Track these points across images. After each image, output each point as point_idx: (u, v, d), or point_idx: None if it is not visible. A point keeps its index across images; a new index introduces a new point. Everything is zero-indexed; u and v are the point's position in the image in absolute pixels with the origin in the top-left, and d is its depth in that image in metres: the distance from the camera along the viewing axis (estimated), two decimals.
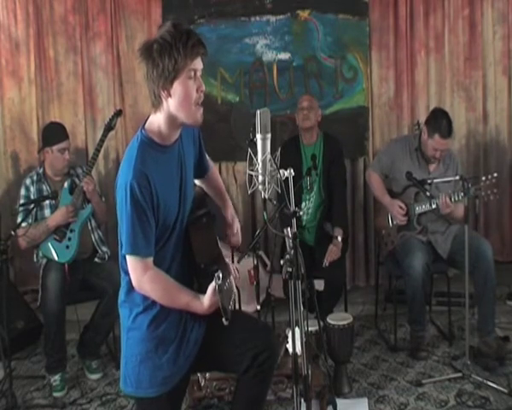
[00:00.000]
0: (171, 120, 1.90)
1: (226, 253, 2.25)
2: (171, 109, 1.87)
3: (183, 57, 1.81)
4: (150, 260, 1.90)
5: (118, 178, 1.91)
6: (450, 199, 3.30)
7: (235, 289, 1.97)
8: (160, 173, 1.90)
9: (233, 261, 3.35)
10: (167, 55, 1.80)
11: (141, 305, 1.96)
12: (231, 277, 1.98)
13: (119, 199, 1.88)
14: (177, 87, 1.84)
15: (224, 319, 1.82)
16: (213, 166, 2.34)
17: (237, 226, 2.38)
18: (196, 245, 2.01)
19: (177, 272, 2.00)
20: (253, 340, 2.05)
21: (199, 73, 1.89)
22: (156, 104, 1.89)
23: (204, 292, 1.92)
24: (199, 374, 2.74)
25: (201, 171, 2.24)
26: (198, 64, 1.87)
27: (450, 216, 3.44)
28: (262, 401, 2.16)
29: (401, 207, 3.53)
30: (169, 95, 1.85)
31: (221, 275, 1.79)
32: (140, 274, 1.89)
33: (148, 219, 1.86)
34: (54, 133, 3.46)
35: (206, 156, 2.26)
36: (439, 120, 3.38)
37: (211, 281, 1.87)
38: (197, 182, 2.25)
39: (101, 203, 3.52)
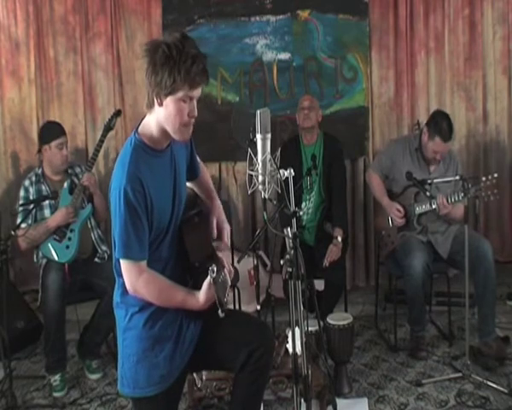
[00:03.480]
0: (161, 126, 1.90)
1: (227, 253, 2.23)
2: (160, 118, 1.88)
3: (182, 81, 1.79)
4: (144, 263, 1.91)
5: (111, 182, 1.91)
6: (447, 200, 3.30)
7: (229, 282, 1.97)
8: (154, 177, 1.90)
9: (233, 262, 3.35)
10: (168, 70, 1.79)
11: (137, 305, 1.97)
12: (225, 270, 1.98)
13: (112, 203, 1.88)
14: (169, 103, 1.83)
15: (219, 311, 1.82)
16: (204, 168, 2.32)
17: (227, 230, 2.23)
18: (189, 244, 2.02)
19: (172, 272, 2.00)
20: (248, 337, 2.06)
21: (195, 100, 1.87)
22: (149, 106, 1.89)
23: (199, 290, 1.93)
24: (195, 375, 2.73)
25: (193, 173, 2.23)
26: (196, 93, 1.86)
27: (448, 217, 3.44)
28: (259, 398, 2.17)
29: (399, 211, 3.53)
30: (161, 104, 1.85)
31: (215, 268, 1.80)
32: (134, 278, 1.90)
33: (142, 223, 1.86)
34: (51, 130, 3.47)
35: (197, 158, 2.25)
36: (440, 123, 3.38)
37: (205, 279, 1.88)
38: (188, 184, 2.25)
39: (103, 199, 3.52)
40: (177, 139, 1.93)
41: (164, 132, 1.91)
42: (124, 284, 1.95)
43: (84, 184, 3.39)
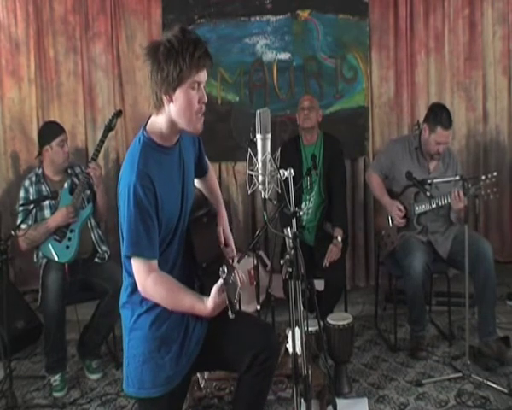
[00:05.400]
0: (172, 124, 1.91)
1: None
2: (171, 114, 1.88)
3: (188, 67, 1.81)
4: (154, 262, 1.90)
5: (120, 181, 1.91)
6: (447, 200, 3.29)
7: (239, 283, 1.97)
8: (162, 174, 1.90)
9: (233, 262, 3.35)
10: (173, 62, 1.80)
11: (144, 306, 1.96)
12: (235, 271, 1.98)
13: (121, 201, 1.87)
14: (179, 95, 1.85)
15: (229, 313, 1.80)
16: (211, 168, 2.33)
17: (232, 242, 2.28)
18: (197, 245, 2.01)
19: (180, 272, 2.00)
20: (254, 339, 2.05)
21: (202, 85, 1.89)
22: (157, 106, 1.90)
23: (205, 292, 1.92)
24: (198, 374, 2.74)
25: (200, 171, 2.24)
26: (202, 76, 1.88)
27: (461, 214, 3.31)
28: (263, 400, 2.16)
29: (400, 210, 3.52)
30: (171, 100, 1.86)
31: (226, 269, 1.78)
32: (144, 277, 1.89)
33: (153, 221, 1.86)
34: (50, 130, 3.48)
35: (206, 158, 2.26)
36: (439, 114, 3.39)
37: (212, 280, 1.86)
38: (196, 184, 2.25)
39: (105, 195, 3.52)
40: (190, 131, 1.93)
41: (174, 128, 1.92)
42: (132, 284, 1.95)
43: (89, 172, 3.38)
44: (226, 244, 2.23)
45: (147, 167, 1.85)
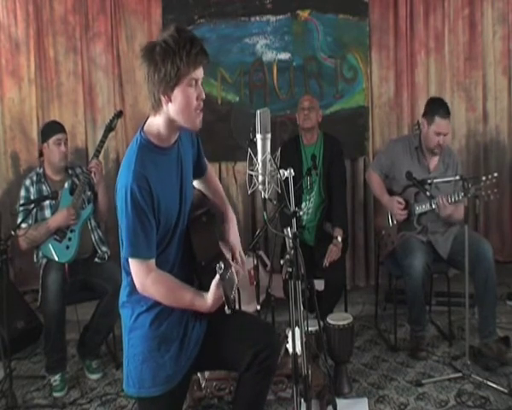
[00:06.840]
0: (171, 123, 1.91)
1: (228, 255, 2.23)
2: (170, 114, 1.89)
3: (185, 65, 1.82)
4: (152, 261, 1.91)
5: (117, 182, 1.91)
6: (448, 200, 3.30)
7: (236, 280, 1.97)
8: (160, 175, 1.91)
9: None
10: (170, 62, 1.81)
11: (143, 305, 1.97)
12: (233, 268, 1.99)
13: (119, 202, 1.88)
14: (177, 94, 1.85)
15: (226, 308, 1.82)
16: (211, 169, 2.33)
17: (241, 251, 2.25)
18: (196, 243, 2.02)
19: (179, 271, 2.00)
20: (254, 338, 2.06)
21: (200, 82, 1.90)
22: (156, 107, 1.90)
23: (204, 290, 1.93)
24: (199, 374, 2.74)
25: (199, 171, 2.24)
26: (199, 73, 1.88)
27: (450, 218, 3.42)
28: (263, 400, 2.16)
29: (400, 202, 3.52)
30: (169, 100, 1.86)
31: (222, 265, 1.80)
32: (143, 277, 1.90)
33: (150, 221, 1.86)
34: (50, 128, 3.49)
35: (205, 159, 2.26)
36: (436, 105, 3.41)
37: (211, 278, 1.88)
38: (195, 184, 2.25)
39: (106, 192, 3.51)
40: (189, 128, 1.94)
41: (172, 128, 1.92)
42: (131, 283, 1.96)
43: (91, 168, 3.39)
44: (233, 254, 2.18)
45: (143, 168, 1.86)
